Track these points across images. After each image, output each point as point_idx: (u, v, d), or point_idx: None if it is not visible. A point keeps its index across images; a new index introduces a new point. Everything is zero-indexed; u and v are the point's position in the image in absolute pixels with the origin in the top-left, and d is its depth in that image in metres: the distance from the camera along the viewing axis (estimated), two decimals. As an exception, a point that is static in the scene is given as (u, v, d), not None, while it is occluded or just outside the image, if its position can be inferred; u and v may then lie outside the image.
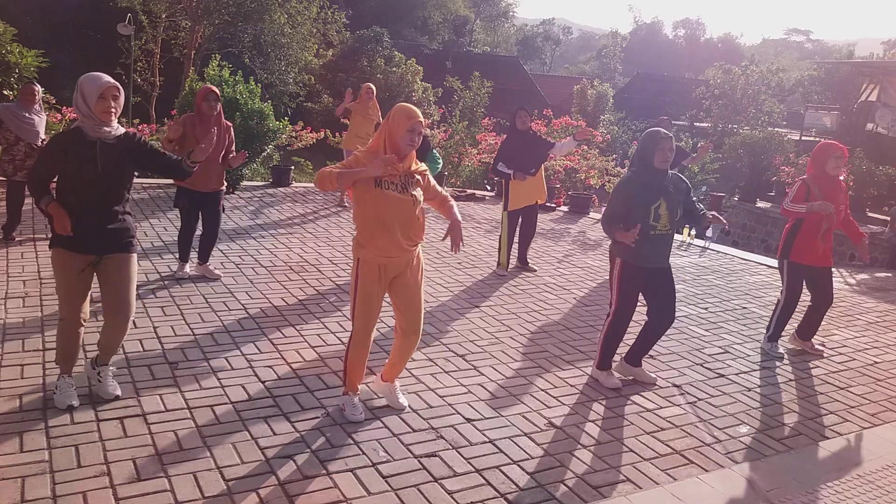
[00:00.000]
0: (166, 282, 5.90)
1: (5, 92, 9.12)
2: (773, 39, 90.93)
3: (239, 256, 6.81)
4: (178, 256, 6.19)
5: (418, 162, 3.81)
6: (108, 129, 3.55)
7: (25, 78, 9.43)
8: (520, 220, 7.23)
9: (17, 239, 6.64)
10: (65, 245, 3.58)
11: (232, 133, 6.02)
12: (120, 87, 3.56)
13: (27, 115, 6.61)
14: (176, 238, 6.32)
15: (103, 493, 3.07)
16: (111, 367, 3.92)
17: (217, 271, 6.15)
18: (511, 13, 57.05)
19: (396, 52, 28.64)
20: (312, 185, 11.44)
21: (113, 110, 3.51)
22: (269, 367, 4.48)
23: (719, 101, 27.79)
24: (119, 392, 3.85)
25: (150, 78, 23.26)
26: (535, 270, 7.26)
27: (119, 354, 4.45)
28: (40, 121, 6.75)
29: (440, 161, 7.12)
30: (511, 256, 7.27)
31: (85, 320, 3.76)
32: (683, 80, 40.02)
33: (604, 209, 4.56)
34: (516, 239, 7.29)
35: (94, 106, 3.47)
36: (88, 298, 3.75)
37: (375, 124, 8.98)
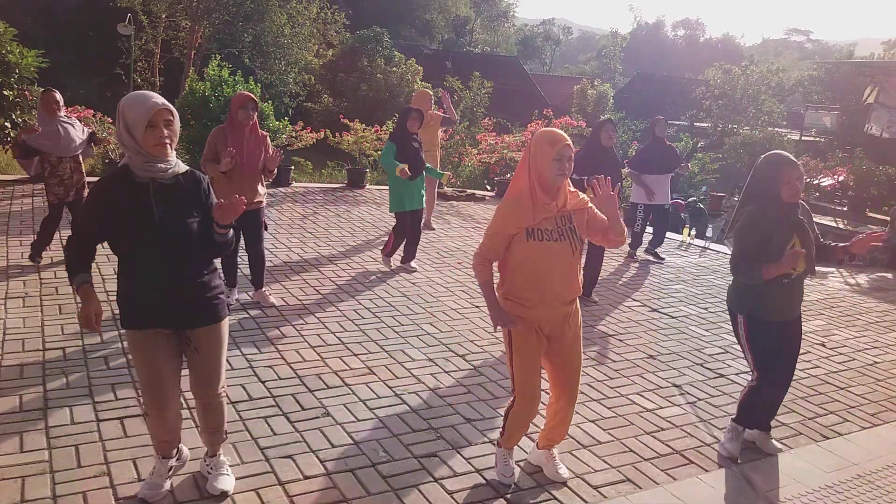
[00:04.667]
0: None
1: (5, 92, 9.11)
2: (773, 39, 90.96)
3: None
4: (224, 282, 5.56)
5: (575, 192, 3.22)
6: (162, 165, 2.75)
7: (26, 79, 9.42)
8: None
9: (41, 263, 6.09)
10: (144, 324, 2.84)
11: (269, 143, 5.40)
12: (174, 111, 2.76)
13: (54, 127, 5.98)
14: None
15: (103, 493, 3.07)
16: (223, 458, 3.22)
17: (272, 299, 5.65)
18: (511, 13, 57.06)
19: (396, 52, 28.67)
20: (311, 184, 11.45)
21: (168, 141, 2.72)
22: (269, 367, 4.49)
23: (719, 101, 27.79)
24: (229, 488, 3.13)
25: (150, 78, 23.28)
26: (597, 304, 6.44)
27: (120, 355, 4.45)
28: (73, 129, 6.11)
29: (440, 173, 7.18)
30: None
31: (174, 411, 2.99)
32: (683, 80, 39.99)
33: (731, 255, 3.76)
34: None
35: (143, 137, 2.68)
36: (179, 385, 3.02)
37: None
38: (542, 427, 3.52)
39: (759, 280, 3.56)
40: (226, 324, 3.02)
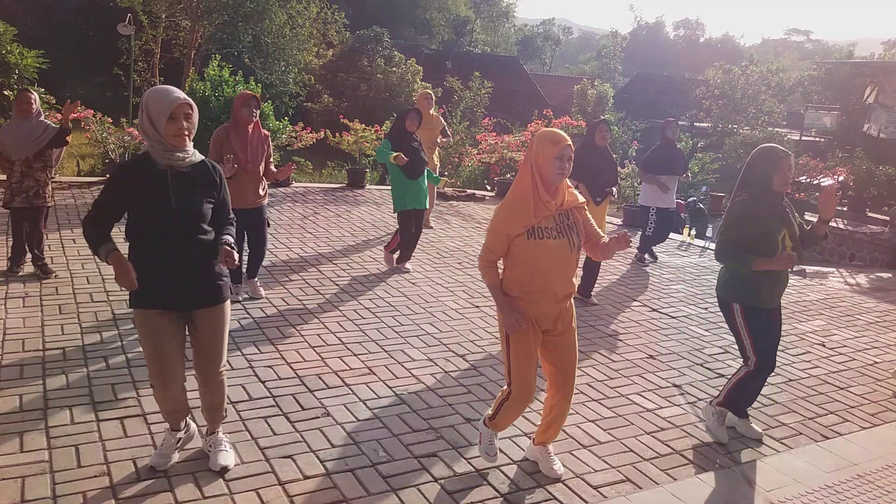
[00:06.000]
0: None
1: (5, 92, 9.11)
2: (773, 39, 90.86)
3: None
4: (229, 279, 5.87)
5: (574, 192, 3.34)
6: (180, 154, 2.99)
7: (26, 79, 9.41)
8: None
9: (20, 273, 5.81)
10: (153, 304, 3.03)
11: (270, 143, 5.60)
12: (193, 105, 3.00)
13: (20, 129, 5.64)
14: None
15: (103, 493, 3.07)
16: (222, 435, 3.41)
17: (262, 291, 5.78)
18: (511, 13, 57.02)
19: (396, 52, 28.64)
20: (311, 184, 11.44)
21: (186, 133, 2.97)
22: (269, 367, 4.49)
23: (719, 101, 27.77)
24: (229, 463, 3.32)
25: (150, 78, 23.24)
26: (597, 304, 6.43)
27: (120, 355, 4.46)
28: (37, 133, 5.69)
29: (437, 178, 7.11)
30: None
31: (177, 386, 3.18)
32: (683, 80, 39.94)
33: (717, 241, 3.93)
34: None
35: (164, 128, 2.92)
36: (183, 362, 3.18)
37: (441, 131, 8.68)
38: (539, 423, 3.59)
39: (745, 269, 3.75)
40: (227, 305, 3.22)
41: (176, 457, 3.32)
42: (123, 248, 3.00)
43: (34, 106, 5.79)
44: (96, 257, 2.97)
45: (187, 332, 3.20)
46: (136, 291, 3.00)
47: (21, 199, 5.72)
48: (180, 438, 3.36)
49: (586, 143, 6.48)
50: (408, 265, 6.91)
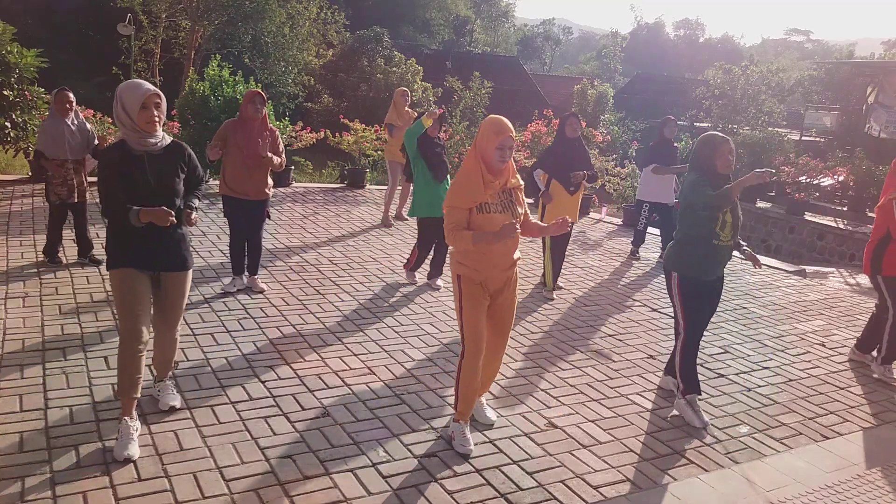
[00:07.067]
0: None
1: (5, 92, 9.09)
2: (773, 39, 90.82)
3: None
4: (231, 269, 5.90)
5: (516, 174, 3.65)
6: (153, 140, 3.38)
7: (26, 79, 9.39)
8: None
9: (64, 262, 6.16)
10: (129, 263, 3.41)
11: (278, 137, 5.72)
12: (161, 94, 3.37)
13: (60, 128, 5.93)
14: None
15: (103, 493, 3.07)
16: (169, 382, 3.90)
17: (263, 285, 5.89)
18: (511, 13, 57.03)
19: (396, 52, 28.68)
20: (311, 184, 11.44)
21: (157, 119, 3.35)
22: (269, 367, 4.49)
23: (719, 101, 27.76)
24: (177, 403, 3.82)
25: (150, 78, 23.26)
26: (562, 287, 6.68)
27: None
28: (81, 131, 6.07)
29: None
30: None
31: (146, 341, 3.45)
32: (683, 80, 39.90)
33: (698, 198, 4.06)
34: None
35: (137, 116, 3.29)
36: (150, 316, 3.52)
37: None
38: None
39: (727, 197, 3.90)
40: (190, 274, 3.66)
41: (136, 448, 3.35)
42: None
43: (74, 105, 6.12)
44: (133, 224, 3.28)
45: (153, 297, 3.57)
46: (114, 255, 3.43)
47: (77, 196, 6.12)
48: (137, 428, 3.47)
49: (558, 137, 6.56)
50: (439, 281, 6.38)
